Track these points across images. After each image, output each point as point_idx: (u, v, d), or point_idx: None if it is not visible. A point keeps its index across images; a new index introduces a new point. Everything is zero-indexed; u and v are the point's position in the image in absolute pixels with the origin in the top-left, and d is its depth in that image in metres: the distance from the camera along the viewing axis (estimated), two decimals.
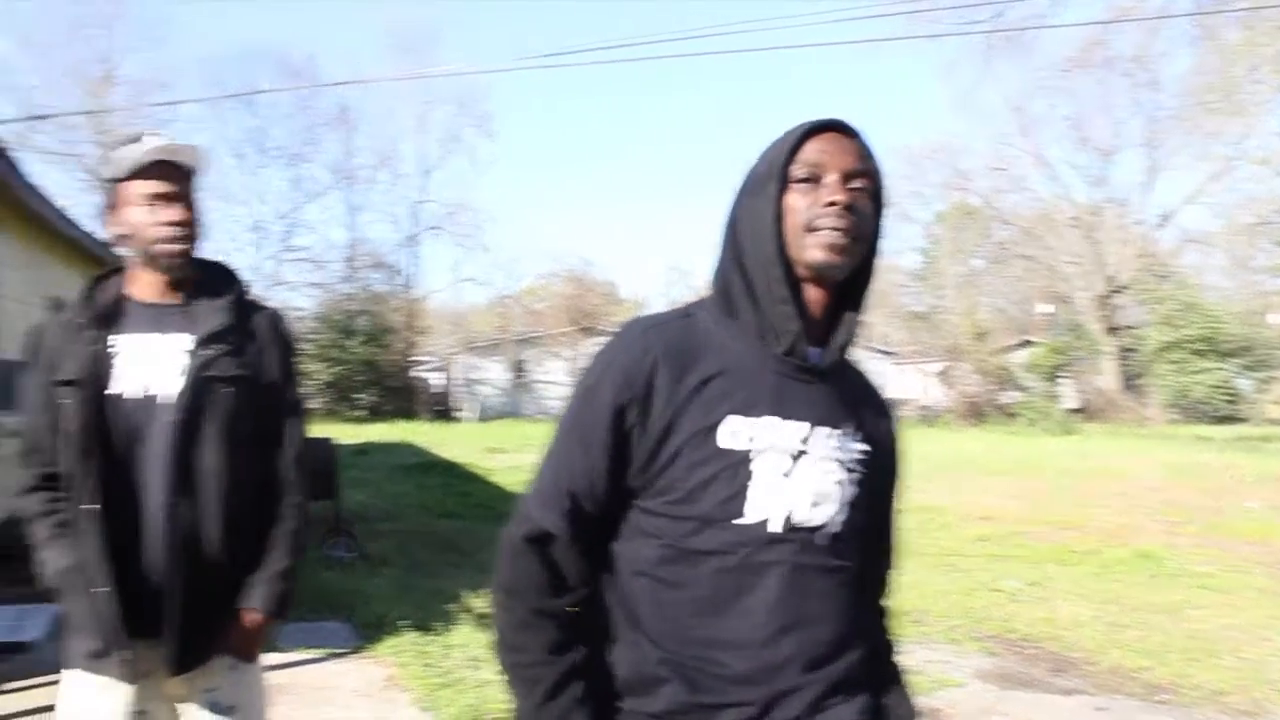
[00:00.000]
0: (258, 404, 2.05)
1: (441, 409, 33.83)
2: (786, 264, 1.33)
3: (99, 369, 1.95)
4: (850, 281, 1.37)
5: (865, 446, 1.40)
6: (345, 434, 21.21)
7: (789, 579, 1.30)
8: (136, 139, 2.00)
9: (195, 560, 1.95)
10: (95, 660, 1.94)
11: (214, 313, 2.04)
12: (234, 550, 2.00)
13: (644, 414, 1.31)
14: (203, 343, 2.00)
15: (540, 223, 65.62)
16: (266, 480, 2.08)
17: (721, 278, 1.40)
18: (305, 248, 38.95)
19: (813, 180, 1.32)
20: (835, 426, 1.36)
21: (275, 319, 2.15)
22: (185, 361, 1.97)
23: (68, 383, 1.94)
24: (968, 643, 5.67)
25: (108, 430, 1.93)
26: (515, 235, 62.99)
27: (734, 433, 1.30)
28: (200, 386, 1.97)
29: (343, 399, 32.56)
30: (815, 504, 1.32)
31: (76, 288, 2.07)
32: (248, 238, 37.29)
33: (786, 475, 1.31)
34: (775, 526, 1.30)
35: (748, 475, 1.30)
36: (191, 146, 2.04)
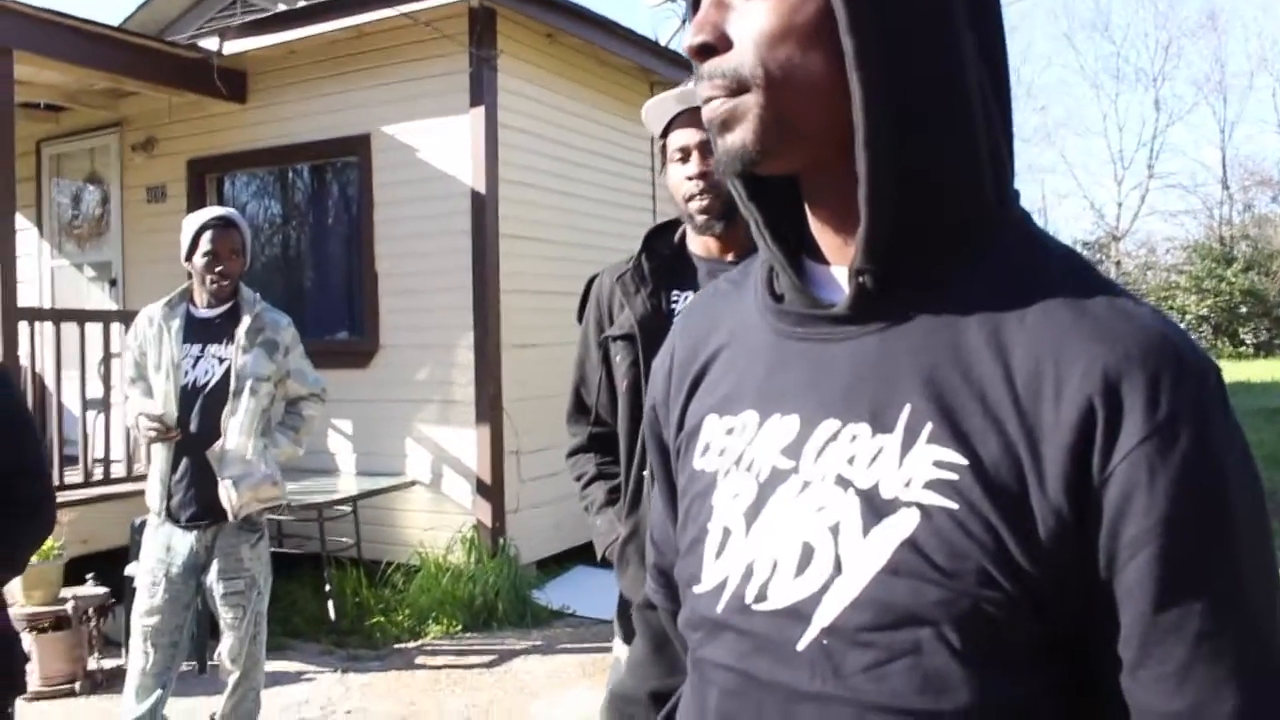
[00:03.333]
0: None
1: None
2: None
3: (656, 324, 1.80)
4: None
5: (954, 455, 0.64)
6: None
7: (731, 704, 0.72)
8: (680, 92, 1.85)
9: None
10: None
11: None
12: None
13: (666, 423, 0.89)
14: None
15: None
16: None
17: None
18: (1171, 173, 36.26)
19: None
20: (857, 418, 0.69)
21: None
22: None
23: (621, 338, 1.86)
24: None
25: None
26: None
27: (709, 443, 0.80)
28: None
29: (1221, 333, 29.45)
30: (782, 567, 0.69)
31: None
32: (1107, 170, 36.07)
33: (751, 513, 0.73)
34: (719, 604, 0.73)
35: (708, 514, 0.77)
36: None
